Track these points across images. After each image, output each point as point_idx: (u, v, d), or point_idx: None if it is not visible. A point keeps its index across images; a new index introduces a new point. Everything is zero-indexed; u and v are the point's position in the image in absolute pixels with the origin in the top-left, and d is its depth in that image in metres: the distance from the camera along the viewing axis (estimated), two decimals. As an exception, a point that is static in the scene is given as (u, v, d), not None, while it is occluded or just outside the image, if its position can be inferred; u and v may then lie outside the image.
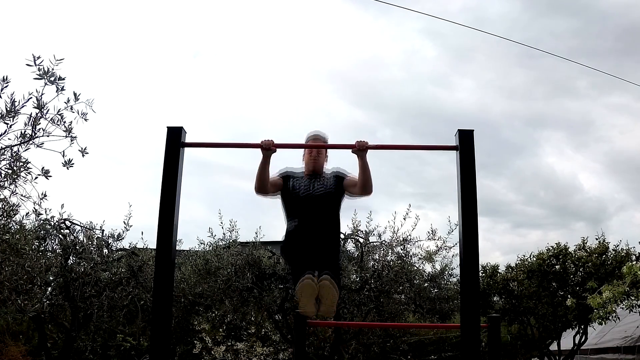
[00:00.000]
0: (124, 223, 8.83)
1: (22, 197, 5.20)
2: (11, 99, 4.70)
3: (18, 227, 6.53)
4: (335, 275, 3.94)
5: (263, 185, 4.01)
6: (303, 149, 4.27)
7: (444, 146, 3.83)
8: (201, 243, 9.84)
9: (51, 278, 8.53)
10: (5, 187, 5.10)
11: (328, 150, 4.30)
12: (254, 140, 3.84)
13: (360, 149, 3.80)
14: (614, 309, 8.00)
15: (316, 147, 4.22)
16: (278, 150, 3.82)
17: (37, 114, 4.77)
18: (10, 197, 5.26)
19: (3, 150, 4.92)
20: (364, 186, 3.98)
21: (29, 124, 4.80)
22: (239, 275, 9.15)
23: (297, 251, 4.07)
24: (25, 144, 4.87)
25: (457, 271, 10.24)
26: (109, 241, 8.90)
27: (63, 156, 4.90)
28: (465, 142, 3.57)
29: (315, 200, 4.07)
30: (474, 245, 3.40)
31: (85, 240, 8.70)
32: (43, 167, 4.92)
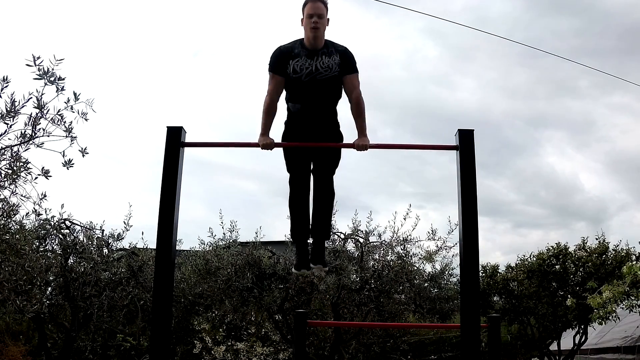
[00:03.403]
0: (124, 223, 8.84)
1: (22, 197, 5.21)
2: (11, 99, 4.71)
3: (18, 227, 6.53)
4: (331, 173, 4.10)
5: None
6: (302, 13, 3.85)
7: (444, 146, 3.84)
8: (201, 243, 9.85)
9: (51, 278, 8.53)
10: (5, 187, 5.11)
11: (328, 13, 3.87)
12: (254, 140, 3.84)
13: (359, 149, 3.80)
14: (614, 309, 7.99)
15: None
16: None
17: (37, 114, 4.79)
18: (10, 197, 5.26)
19: (3, 150, 4.92)
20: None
21: (29, 124, 4.82)
22: (239, 275, 9.15)
23: (299, 136, 3.98)
24: (25, 144, 4.88)
25: (457, 271, 10.24)
26: (109, 241, 8.89)
27: (63, 156, 4.91)
28: (465, 142, 3.58)
29: (318, 85, 3.85)
30: (474, 245, 3.40)
31: (85, 240, 8.69)
32: (43, 167, 4.93)
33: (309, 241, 4.20)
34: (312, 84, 3.84)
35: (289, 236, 4.75)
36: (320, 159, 4.05)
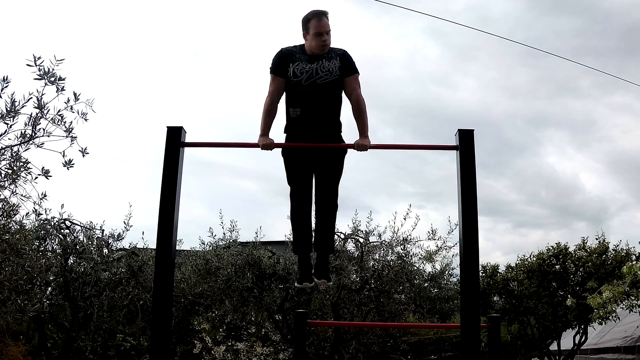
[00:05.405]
0: (124, 223, 8.84)
1: (22, 197, 5.21)
2: (11, 99, 4.71)
3: (18, 227, 6.52)
4: (336, 181, 4.04)
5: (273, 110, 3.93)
6: (302, 28, 3.89)
7: (444, 146, 3.84)
8: (202, 243, 9.85)
9: (51, 278, 8.53)
10: (5, 187, 5.11)
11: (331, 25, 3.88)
12: (254, 140, 3.85)
13: (359, 150, 3.80)
14: (614, 309, 7.99)
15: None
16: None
17: (37, 114, 4.78)
18: (10, 197, 5.26)
19: (3, 150, 4.92)
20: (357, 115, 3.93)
21: (29, 124, 4.81)
22: (239, 275, 9.15)
23: (300, 140, 3.96)
24: (26, 144, 4.87)
25: (457, 271, 10.24)
26: (109, 241, 8.89)
27: (63, 156, 4.91)
28: (465, 142, 3.57)
29: (319, 89, 3.85)
30: (474, 245, 3.40)
31: (85, 240, 8.70)
32: (43, 167, 4.93)
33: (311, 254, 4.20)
34: (313, 88, 3.84)
35: (290, 244, 4.72)
36: (322, 170, 4.01)
